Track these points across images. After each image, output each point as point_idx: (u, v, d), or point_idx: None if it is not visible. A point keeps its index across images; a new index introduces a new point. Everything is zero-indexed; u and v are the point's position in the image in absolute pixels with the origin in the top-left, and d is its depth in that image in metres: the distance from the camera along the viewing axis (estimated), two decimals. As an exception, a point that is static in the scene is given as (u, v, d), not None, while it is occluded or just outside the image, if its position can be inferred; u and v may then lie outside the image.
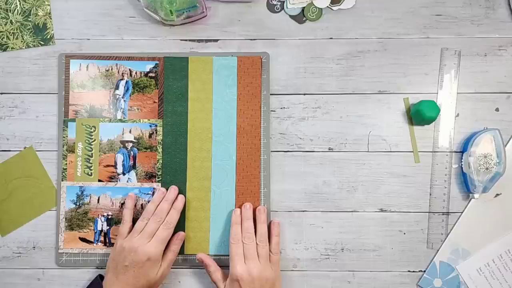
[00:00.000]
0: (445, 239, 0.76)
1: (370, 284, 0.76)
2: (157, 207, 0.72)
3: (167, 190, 0.74)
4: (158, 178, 0.76)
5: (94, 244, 0.76)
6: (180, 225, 0.75)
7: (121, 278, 0.68)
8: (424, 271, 0.76)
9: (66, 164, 0.76)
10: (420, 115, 0.73)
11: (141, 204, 0.76)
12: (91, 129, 0.76)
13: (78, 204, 0.76)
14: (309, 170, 0.76)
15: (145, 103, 0.77)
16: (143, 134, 0.76)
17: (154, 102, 0.77)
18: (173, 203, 0.73)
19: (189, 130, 0.76)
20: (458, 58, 0.77)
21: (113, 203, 0.76)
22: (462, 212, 0.76)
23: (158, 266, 0.70)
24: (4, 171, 0.77)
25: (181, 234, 0.74)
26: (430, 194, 0.76)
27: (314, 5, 0.77)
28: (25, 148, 0.77)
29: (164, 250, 0.71)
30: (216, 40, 0.78)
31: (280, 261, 0.75)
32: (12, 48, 0.78)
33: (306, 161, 0.77)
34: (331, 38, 0.77)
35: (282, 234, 0.76)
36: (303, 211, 0.76)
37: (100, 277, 0.73)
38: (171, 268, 0.75)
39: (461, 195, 0.76)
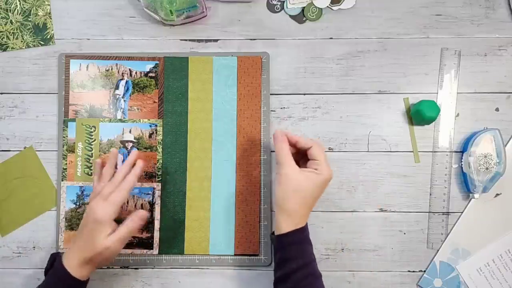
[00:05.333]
0: (445, 239, 0.76)
1: (370, 284, 0.76)
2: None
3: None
4: (158, 178, 0.76)
5: (94, 244, 0.76)
6: (180, 225, 0.75)
7: (76, 242, 0.66)
8: (424, 271, 0.76)
9: (66, 164, 0.76)
10: (420, 115, 0.73)
11: (141, 204, 0.76)
12: (91, 129, 0.76)
13: (78, 204, 0.76)
14: (309, 170, 0.76)
15: (145, 103, 0.77)
16: (143, 134, 0.76)
17: (154, 102, 0.77)
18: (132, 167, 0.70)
19: (189, 130, 0.76)
20: (458, 58, 0.77)
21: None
22: (462, 212, 0.76)
23: (106, 233, 0.64)
24: (4, 171, 0.77)
25: (141, 212, 0.67)
26: (430, 194, 0.76)
27: (314, 5, 0.77)
28: (25, 148, 0.77)
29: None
30: (216, 40, 0.78)
31: (280, 261, 0.76)
32: (12, 48, 0.78)
33: (306, 161, 0.76)
34: (331, 38, 0.77)
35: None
36: (303, 211, 0.76)
37: (55, 254, 0.70)
38: (171, 268, 0.75)
39: (461, 195, 0.76)
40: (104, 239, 0.64)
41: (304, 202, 0.64)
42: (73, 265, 0.64)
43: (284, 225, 0.64)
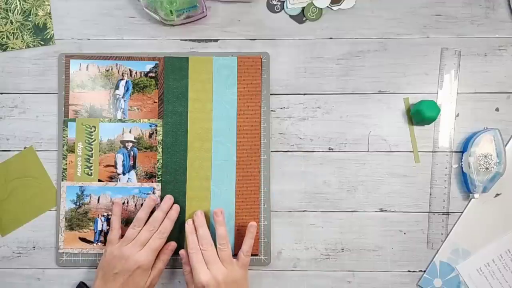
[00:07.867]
0: (445, 239, 0.76)
1: (370, 284, 0.76)
2: (149, 215, 0.72)
3: (161, 199, 0.75)
4: (158, 178, 0.76)
5: (94, 244, 0.76)
6: (180, 225, 0.75)
7: (110, 285, 0.68)
8: (424, 271, 0.76)
9: (66, 164, 0.76)
10: (420, 115, 0.73)
11: (141, 204, 0.76)
12: (91, 129, 0.76)
13: (78, 204, 0.76)
14: (309, 170, 0.76)
15: (145, 103, 0.77)
16: (143, 134, 0.76)
17: (154, 102, 0.77)
18: (167, 212, 0.73)
19: (189, 130, 0.76)
20: (458, 58, 0.77)
21: (113, 203, 0.76)
22: (462, 212, 0.76)
23: (148, 275, 0.69)
24: (4, 171, 0.77)
25: (172, 244, 0.73)
26: (430, 194, 0.76)
27: (314, 5, 0.77)
28: (25, 148, 0.77)
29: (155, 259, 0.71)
30: (216, 40, 0.78)
31: (280, 261, 0.76)
32: (12, 48, 0.78)
33: (306, 161, 0.77)
34: (331, 38, 0.77)
35: (282, 234, 0.76)
36: (303, 211, 0.76)
37: (83, 284, 0.74)
38: (171, 268, 0.75)
39: (461, 195, 0.76)
40: (148, 280, 0.69)
41: None
42: None
43: None
